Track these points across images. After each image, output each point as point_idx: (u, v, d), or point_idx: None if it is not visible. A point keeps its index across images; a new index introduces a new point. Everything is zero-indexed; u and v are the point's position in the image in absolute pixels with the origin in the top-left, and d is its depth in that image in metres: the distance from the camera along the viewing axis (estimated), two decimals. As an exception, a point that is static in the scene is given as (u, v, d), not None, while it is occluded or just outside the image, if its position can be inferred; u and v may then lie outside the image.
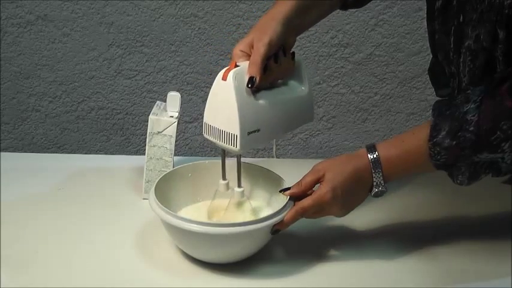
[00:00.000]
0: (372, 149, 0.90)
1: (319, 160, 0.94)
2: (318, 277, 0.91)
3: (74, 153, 1.92)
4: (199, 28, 1.81)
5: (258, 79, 0.88)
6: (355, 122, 1.92)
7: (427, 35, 1.03)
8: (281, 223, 0.90)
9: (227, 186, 0.98)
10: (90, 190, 1.14)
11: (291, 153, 1.95)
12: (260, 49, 0.90)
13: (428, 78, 1.10)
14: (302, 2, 0.96)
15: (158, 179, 0.97)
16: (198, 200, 1.03)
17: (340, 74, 1.86)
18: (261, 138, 0.91)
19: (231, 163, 0.96)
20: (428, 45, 1.03)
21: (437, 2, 0.94)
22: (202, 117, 0.92)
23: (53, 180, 1.16)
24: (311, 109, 1.00)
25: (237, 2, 1.78)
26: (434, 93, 1.08)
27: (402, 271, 0.93)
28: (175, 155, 1.10)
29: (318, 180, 0.91)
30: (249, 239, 0.90)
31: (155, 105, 1.11)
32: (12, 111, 1.89)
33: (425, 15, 1.01)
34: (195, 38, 1.82)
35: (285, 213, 0.90)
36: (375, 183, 0.90)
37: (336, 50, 1.84)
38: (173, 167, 1.07)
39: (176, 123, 1.07)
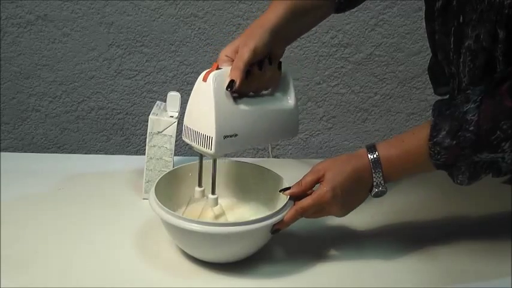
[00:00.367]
0: (372, 149, 0.90)
1: (319, 160, 0.94)
2: (318, 277, 0.91)
3: (74, 153, 1.92)
4: (199, 28, 1.81)
5: (238, 83, 0.88)
6: (355, 122, 1.92)
7: (426, 34, 1.03)
8: (281, 223, 0.90)
9: (203, 193, 0.97)
10: (90, 190, 1.14)
11: (291, 153, 1.95)
12: (244, 55, 0.89)
13: (428, 78, 1.10)
14: (293, 9, 0.96)
15: (158, 178, 0.97)
16: (198, 200, 1.02)
17: (340, 74, 1.86)
18: (238, 144, 0.90)
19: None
20: (428, 45, 1.03)
21: (437, 2, 0.94)
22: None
23: (53, 180, 1.16)
24: (296, 123, 0.99)
25: (237, 2, 1.78)
26: (434, 93, 1.08)
27: (402, 271, 0.93)
28: (175, 155, 1.10)
29: (318, 180, 0.91)
30: (249, 239, 0.90)
31: (155, 105, 1.11)
32: (12, 111, 1.89)
33: (424, 16, 1.01)
34: (195, 38, 1.82)
35: (284, 212, 0.90)
36: (375, 183, 0.90)
37: (336, 50, 1.84)
38: (173, 167, 1.07)
39: (176, 123, 1.07)
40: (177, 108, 1.09)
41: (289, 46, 1.01)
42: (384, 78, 1.87)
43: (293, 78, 0.99)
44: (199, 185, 0.97)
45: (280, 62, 0.96)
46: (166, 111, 1.09)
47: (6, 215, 1.04)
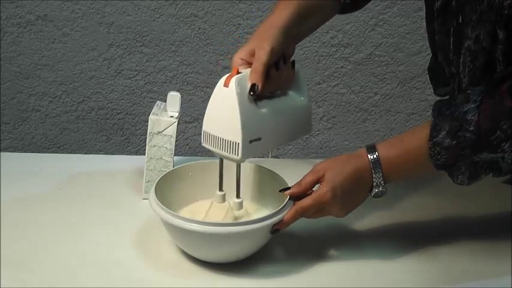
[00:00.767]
0: (371, 149, 0.90)
1: (319, 160, 0.94)
2: (318, 277, 0.91)
3: (74, 153, 1.92)
4: (199, 28, 1.81)
5: (260, 86, 0.87)
6: (355, 122, 1.92)
7: (427, 35, 1.03)
8: (281, 223, 0.90)
9: (224, 197, 0.96)
10: (90, 190, 1.14)
11: (291, 153, 1.95)
12: (262, 57, 0.89)
13: (428, 78, 1.10)
14: (301, 10, 0.96)
15: (158, 178, 0.97)
16: (198, 200, 1.03)
17: (340, 74, 1.86)
18: (261, 147, 0.90)
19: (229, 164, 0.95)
20: (429, 45, 1.03)
21: (436, 2, 0.94)
22: (203, 117, 0.91)
23: (53, 180, 1.16)
24: (309, 120, 0.99)
25: (237, 2, 1.78)
26: (434, 93, 1.08)
27: (402, 271, 0.93)
28: (175, 155, 1.10)
29: (318, 180, 0.91)
30: (249, 239, 0.90)
31: (155, 105, 1.11)
32: (12, 111, 1.89)
33: (424, 16, 1.01)
34: (195, 38, 1.82)
35: (284, 212, 0.90)
36: (375, 184, 0.90)
37: (336, 50, 1.84)
38: (173, 167, 1.07)
39: (176, 123, 1.07)
40: (177, 108, 1.09)
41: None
42: (384, 78, 1.87)
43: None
44: (220, 189, 0.96)
45: (294, 61, 0.96)
46: (166, 111, 1.09)
47: (6, 215, 1.04)
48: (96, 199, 1.10)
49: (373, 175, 0.89)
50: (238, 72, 0.88)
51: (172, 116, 1.08)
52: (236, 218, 0.96)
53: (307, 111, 0.98)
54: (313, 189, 0.92)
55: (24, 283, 0.88)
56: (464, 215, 1.08)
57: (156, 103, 1.12)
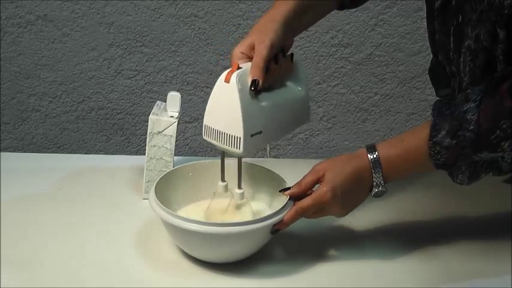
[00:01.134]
0: (371, 149, 0.90)
1: (319, 160, 0.94)
2: (318, 277, 0.91)
3: (74, 153, 1.92)
4: (199, 28, 1.81)
5: (261, 82, 0.88)
6: (355, 122, 1.92)
7: (427, 35, 1.03)
8: (281, 223, 0.90)
9: (226, 187, 0.97)
10: (90, 190, 1.14)
11: (291, 153, 1.95)
12: (262, 51, 0.89)
13: (428, 78, 1.10)
14: (300, 3, 0.96)
15: (158, 178, 0.97)
16: (198, 200, 1.03)
17: (340, 74, 1.86)
18: (262, 140, 0.91)
19: (230, 163, 0.96)
20: (429, 45, 1.03)
21: (436, 2, 0.94)
22: (203, 117, 0.91)
23: (53, 180, 1.16)
24: (308, 110, 1.00)
25: (237, 2, 1.78)
26: (434, 93, 1.08)
27: (402, 271, 0.93)
28: (175, 155, 1.10)
29: (318, 180, 0.91)
30: (249, 239, 0.90)
31: (155, 105, 1.11)
32: (12, 111, 1.89)
33: (426, 16, 1.01)
34: (195, 38, 1.82)
35: (284, 213, 0.90)
36: (374, 183, 0.90)
37: (336, 50, 1.84)
38: (173, 167, 1.07)
39: (176, 123, 1.07)
40: (177, 108, 1.09)
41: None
42: (384, 78, 1.87)
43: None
44: (222, 179, 0.97)
45: (292, 53, 0.97)
46: (166, 111, 1.09)
47: (6, 214, 1.04)
48: (96, 199, 1.10)
49: (373, 175, 0.89)
50: (238, 68, 0.88)
51: (172, 116, 1.08)
52: (239, 206, 0.96)
53: (305, 101, 0.99)
54: (313, 189, 0.92)
55: (24, 283, 0.88)
56: (464, 215, 1.08)
57: (156, 103, 1.12)
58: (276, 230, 0.90)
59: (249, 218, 0.95)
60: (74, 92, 1.87)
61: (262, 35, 0.91)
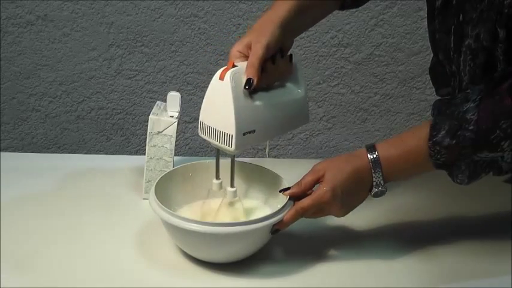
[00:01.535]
0: (371, 149, 0.90)
1: (319, 160, 0.94)
2: (318, 277, 0.91)
3: (74, 153, 1.92)
4: (199, 28, 1.81)
5: (255, 81, 0.88)
6: (355, 122, 1.92)
7: (427, 35, 1.03)
8: (281, 223, 0.90)
9: (220, 185, 0.97)
10: (90, 190, 1.14)
11: (291, 153, 1.95)
12: (258, 51, 0.89)
13: (428, 78, 1.11)
14: (300, 4, 0.96)
15: (158, 178, 0.97)
16: (198, 200, 1.02)
17: (340, 74, 1.86)
18: (256, 139, 0.91)
19: (225, 162, 0.96)
20: (429, 44, 1.03)
21: (437, 1, 0.94)
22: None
23: (52, 180, 1.16)
24: (306, 111, 1.00)
25: (237, 2, 1.78)
26: (434, 93, 1.08)
27: (402, 271, 0.93)
28: (175, 155, 1.10)
29: (318, 180, 0.91)
30: (249, 239, 0.90)
31: (155, 105, 1.12)
32: (12, 111, 1.89)
33: (426, 15, 1.01)
34: (195, 38, 1.82)
35: (284, 213, 0.90)
36: (374, 183, 0.90)
37: (336, 50, 1.84)
38: (173, 167, 1.07)
39: (176, 123, 1.07)
40: (177, 108, 1.09)
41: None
42: (384, 78, 1.87)
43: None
44: (217, 177, 0.97)
45: (291, 54, 0.97)
46: (166, 111, 1.09)
47: (6, 215, 1.04)
48: (96, 199, 1.10)
49: (373, 175, 0.89)
50: (234, 66, 0.89)
51: (172, 116, 1.08)
52: (231, 204, 0.96)
53: (303, 102, 0.99)
54: (313, 189, 0.92)
55: (24, 283, 0.88)
56: (464, 215, 1.08)
57: (156, 103, 1.12)
58: (276, 230, 0.90)
59: (240, 216, 0.96)
60: (74, 92, 1.87)
61: (259, 35, 0.91)
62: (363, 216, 1.03)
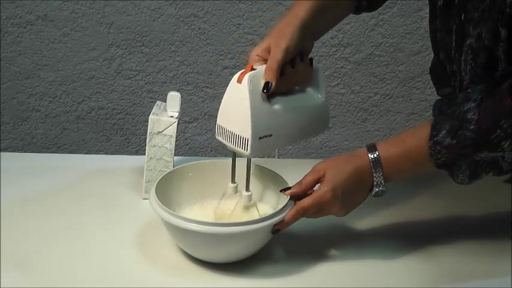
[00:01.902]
0: (372, 148, 0.90)
1: (319, 160, 0.94)
2: (318, 277, 0.91)
3: (74, 153, 1.92)
4: (199, 28, 1.81)
5: (273, 84, 0.88)
6: (355, 122, 1.92)
7: (427, 35, 1.03)
8: (282, 223, 0.90)
9: (236, 189, 0.97)
10: (90, 190, 1.14)
11: (291, 153, 1.95)
12: (277, 55, 0.89)
13: (428, 78, 1.10)
14: (319, 4, 0.96)
15: (159, 178, 0.97)
16: (198, 200, 1.03)
17: (340, 74, 1.86)
18: (272, 144, 0.91)
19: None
20: (430, 44, 1.03)
21: (439, 0, 0.94)
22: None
23: (52, 180, 1.16)
24: (327, 117, 0.99)
25: (237, 2, 1.78)
26: (434, 93, 1.08)
27: (402, 271, 0.93)
28: (175, 155, 1.10)
29: (319, 180, 0.91)
30: (249, 239, 0.90)
31: (155, 105, 1.11)
32: (12, 111, 1.89)
33: (426, 15, 1.01)
34: (195, 38, 1.82)
35: (285, 212, 0.90)
36: (375, 183, 0.90)
37: (336, 50, 1.84)
38: (173, 167, 1.07)
39: (176, 123, 1.07)
40: (177, 108, 1.09)
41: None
42: (384, 78, 1.87)
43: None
44: (233, 181, 0.97)
45: (312, 58, 0.96)
46: (166, 111, 1.09)
47: (6, 214, 1.04)
48: (96, 199, 1.10)
49: (374, 174, 0.89)
50: (252, 69, 0.89)
51: (172, 116, 1.08)
52: (247, 208, 0.96)
53: (324, 108, 0.98)
54: (314, 189, 0.92)
55: (24, 283, 0.88)
56: (464, 215, 1.08)
57: (156, 103, 1.12)
58: (276, 229, 0.90)
59: None
60: (74, 92, 1.87)
61: (278, 38, 0.91)
62: (363, 216, 1.03)
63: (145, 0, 1.78)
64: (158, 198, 0.91)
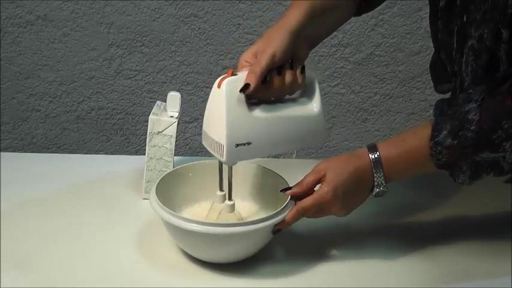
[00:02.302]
0: (373, 148, 0.90)
1: (320, 160, 0.94)
2: (318, 277, 0.91)
3: (74, 153, 1.92)
4: (199, 28, 1.81)
5: (252, 87, 0.86)
6: (355, 122, 1.92)
7: (427, 35, 1.03)
8: (282, 223, 0.90)
9: (224, 197, 0.95)
10: (90, 190, 1.14)
11: (290, 153, 1.95)
12: (262, 61, 0.87)
13: (428, 78, 1.11)
14: (314, 10, 0.93)
15: (159, 178, 0.97)
16: (198, 200, 1.03)
17: (340, 74, 1.86)
18: (252, 152, 0.89)
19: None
20: (430, 44, 1.03)
21: (440, 1, 0.94)
22: (203, 117, 0.91)
23: (52, 180, 1.16)
24: (321, 129, 0.95)
25: (237, 2, 1.78)
26: (434, 93, 1.08)
27: (402, 271, 0.93)
28: (175, 155, 1.10)
29: (319, 180, 0.91)
30: (249, 239, 0.90)
31: (155, 105, 1.11)
32: (12, 111, 1.89)
33: (426, 15, 1.01)
34: (195, 38, 1.82)
35: (286, 213, 0.90)
36: (376, 183, 0.90)
37: (336, 50, 1.84)
38: (173, 167, 1.07)
39: (176, 123, 1.07)
40: (177, 108, 1.09)
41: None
42: (384, 78, 1.87)
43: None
44: (221, 189, 0.96)
45: (303, 66, 0.92)
46: (166, 111, 1.09)
47: (6, 214, 1.04)
48: (96, 199, 1.10)
49: (374, 175, 0.89)
50: (233, 74, 0.87)
51: (172, 116, 1.08)
52: (229, 217, 0.95)
53: (317, 120, 0.94)
54: (315, 189, 0.91)
55: (24, 283, 0.88)
56: (464, 215, 1.08)
57: (156, 103, 1.12)
58: (277, 230, 0.90)
59: None
60: (74, 92, 1.87)
61: (266, 44, 0.89)
62: (363, 216, 1.02)
63: (145, 0, 1.78)
64: (158, 198, 0.91)
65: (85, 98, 1.88)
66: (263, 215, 0.91)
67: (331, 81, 1.87)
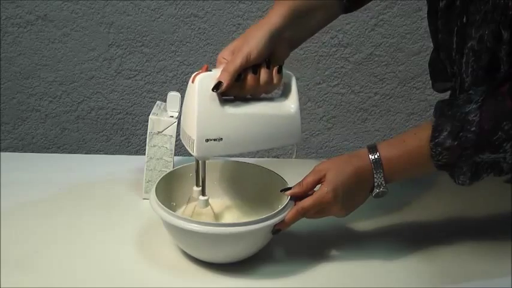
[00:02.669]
0: (373, 149, 0.90)
1: (319, 160, 0.94)
2: (318, 277, 0.91)
3: (74, 153, 1.92)
4: (199, 28, 1.81)
5: (224, 85, 0.87)
6: (355, 122, 1.92)
7: (427, 35, 1.03)
8: (282, 223, 0.90)
9: (199, 193, 0.96)
10: (90, 190, 1.14)
11: (290, 153, 1.95)
12: (236, 60, 0.88)
13: (428, 78, 1.10)
14: (296, 11, 0.93)
15: (159, 179, 0.97)
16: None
17: (340, 74, 1.86)
18: (223, 148, 0.89)
19: (228, 164, 0.95)
20: (430, 44, 1.03)
21: (440, 2, 0.94)
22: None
23: (52, 180, 1.16)
24: (296, 129, 0.94)
25: (237, 2, 1.78)
26: (434, 93, 1.09)
27: (402, 271, 0.93)
28: (175, 155, 1.10)
29: (319, 181, 0.91)
30: (249, 239, 0.90)
31: (155, 105, 1.12)
32: (12, 111, 1.89)
33: (425, 15, 1.01)
34: (195, 38, 1.82)
35: (285, 213, 0.90)
36: (376, 184, 0.90)
37: (336, 50, 1.84)
38: (173, 167, 1.07)
39: (176, 123, 1.07)
40: (177, 108, 1.09)
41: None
42: (384, 78, 1.87)
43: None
44: (197, 184, 0.97)
45: (281, 66, 0.92)
46: (166, 111, 1.09)
47: (6, 215, 1.04)
48: (96, 199, 1.10)
49: (374, 175, 0.89)
50: (207, 70, 0.88)
51: (172, 116, 1.08)
52: (199, 215, 0.96)
53: (293, 120, 0.93)
54: (315, 189, 0.91)
55: (24, 283, 0.88)
56: (464, 215, 1.08)
57: (156, 103, 1.12)
58: (277, 230, 0.90)
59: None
60: (74, 92, 1.87)
61: (243, 43, 0.89)
62: (363, 217, 1.03)
63: (145, 0, 1.78)
64: (158, 198, 0.91)
65: (85, 98, 1.88)
66: (262, 215, 0.90)
67: (331, 81, 1.87)
